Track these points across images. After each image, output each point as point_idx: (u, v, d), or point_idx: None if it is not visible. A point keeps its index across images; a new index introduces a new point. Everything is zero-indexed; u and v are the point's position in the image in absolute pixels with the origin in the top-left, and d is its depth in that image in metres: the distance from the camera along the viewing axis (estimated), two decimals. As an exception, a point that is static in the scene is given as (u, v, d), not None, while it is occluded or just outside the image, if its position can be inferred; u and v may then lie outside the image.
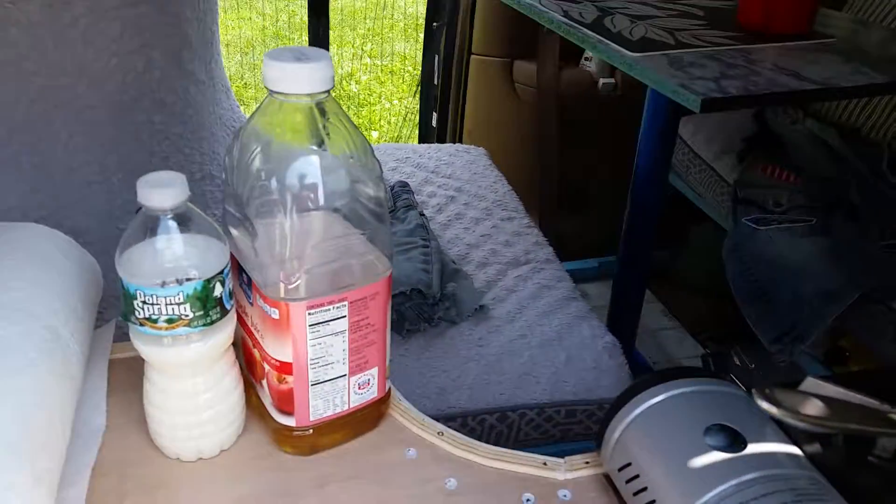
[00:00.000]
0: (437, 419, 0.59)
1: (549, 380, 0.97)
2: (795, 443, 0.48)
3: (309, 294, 0.47)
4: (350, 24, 3.91)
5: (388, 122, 3.22)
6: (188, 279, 0.46)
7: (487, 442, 0.84)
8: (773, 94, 0.84)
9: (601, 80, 1.77)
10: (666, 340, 1.81)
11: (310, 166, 0.45)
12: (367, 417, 0.56)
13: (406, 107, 3.26)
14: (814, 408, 0.35)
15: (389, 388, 0.58)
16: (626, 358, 1.04)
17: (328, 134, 0.46)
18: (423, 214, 1.23)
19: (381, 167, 0.49)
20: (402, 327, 1.00)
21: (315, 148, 0.45)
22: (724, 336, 1.79)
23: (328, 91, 0.45)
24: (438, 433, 0.57)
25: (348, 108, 3.34)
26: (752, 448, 0.45)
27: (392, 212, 1.23)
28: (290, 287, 0.46)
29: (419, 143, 2.04)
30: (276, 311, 0.47)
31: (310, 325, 0.48)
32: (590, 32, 1.02)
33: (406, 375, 0.94)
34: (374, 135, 3.13)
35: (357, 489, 0.52)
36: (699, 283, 1.89)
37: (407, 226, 1.17)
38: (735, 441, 0.46)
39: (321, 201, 0.45)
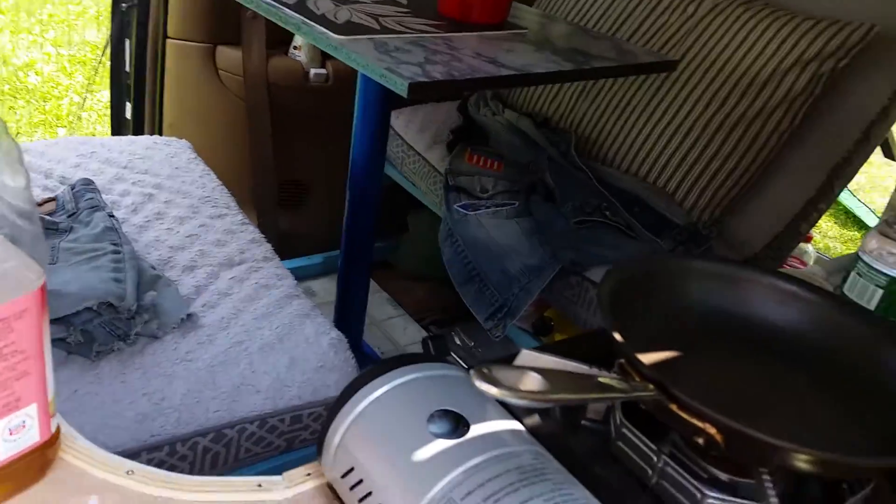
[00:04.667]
0: (138, 452, 0.49)
1: (271, 386, 0.89)
2: (516, 417, 0.47)
3: None
4: (28, 9, 3.39)
5: (78, 118, 2.84)
6: None
7: (202, 467, 0.74)
8: (475, 79, 0.87)
9: (312, 71, 1.72)
10: (392, 329, 1.83)
11: None
12: (30, 467, 0.45)
13: (99, 100, 2.91)
14: (532, 382, 0.34)
15: (58, 428, 0.46)
16: (353, 352, 1.01)
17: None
18: (113, 216, 1.07)
19: (19, 150, 0.38)
20: (90, 349, 0.85)
21: None
22: (446, 319, 1.86)
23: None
24: (128, 472, 0.47)
25: (28, 102, 2.89)
26: (476, 430, 0.43)
27: (73, 215, 1.05)
28: None
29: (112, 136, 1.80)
30: None
31: (-84, 360, 0.36)
32: (293, 13, 0.96)
33: (97, 406, 0.79)
34: (62, 132, 2.74)
35: (17, 561, 0.41)
36: (421, 271, 1.94)
37: (92, 230, 1.00)
38: (458, 425, 0.44)
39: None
